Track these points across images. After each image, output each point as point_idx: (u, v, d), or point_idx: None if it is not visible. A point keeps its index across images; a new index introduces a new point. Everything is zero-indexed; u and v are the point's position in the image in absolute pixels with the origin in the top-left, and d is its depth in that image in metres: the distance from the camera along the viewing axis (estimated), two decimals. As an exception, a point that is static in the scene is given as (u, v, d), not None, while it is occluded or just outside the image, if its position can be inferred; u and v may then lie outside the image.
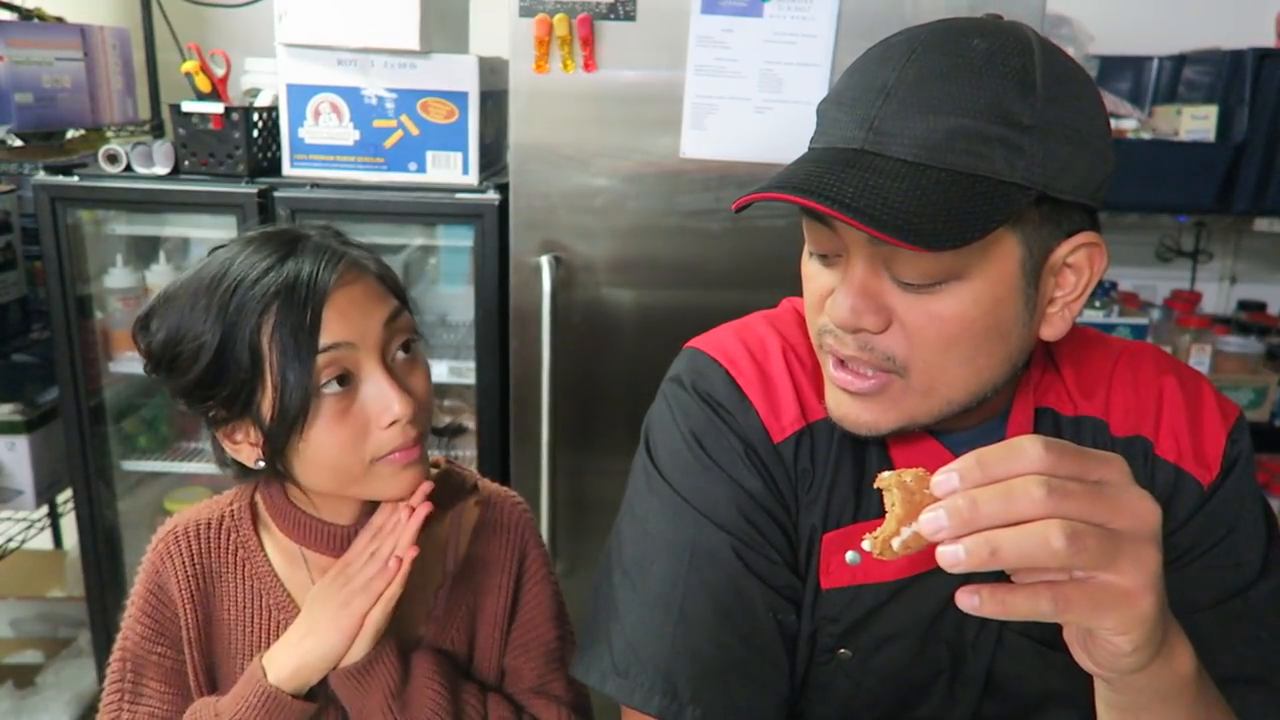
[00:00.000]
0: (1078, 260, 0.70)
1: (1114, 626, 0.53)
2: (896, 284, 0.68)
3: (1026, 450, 0.50)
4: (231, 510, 0.91)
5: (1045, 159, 0.65)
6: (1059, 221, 0.69)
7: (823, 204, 0.63)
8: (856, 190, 0.63)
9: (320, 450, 0.79)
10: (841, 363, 0.73)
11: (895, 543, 0.54)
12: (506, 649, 0.96)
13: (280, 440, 0.79)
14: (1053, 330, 0.73)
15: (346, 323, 0.78)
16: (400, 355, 0.82)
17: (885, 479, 0.55)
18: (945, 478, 0.51)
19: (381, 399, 0.79)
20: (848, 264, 0.70)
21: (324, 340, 0.77)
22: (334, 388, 0.78)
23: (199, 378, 0.79)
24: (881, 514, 0.79)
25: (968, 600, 0.52)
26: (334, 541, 0.88)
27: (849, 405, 0.74)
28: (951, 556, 0.50)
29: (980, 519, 0.50)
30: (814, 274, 0.74)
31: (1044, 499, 0.49)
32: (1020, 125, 0.64)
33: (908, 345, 0.69)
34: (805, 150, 0.74)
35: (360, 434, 0.79)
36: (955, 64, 0.65)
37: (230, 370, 0.78)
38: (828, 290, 0.72)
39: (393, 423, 0.79)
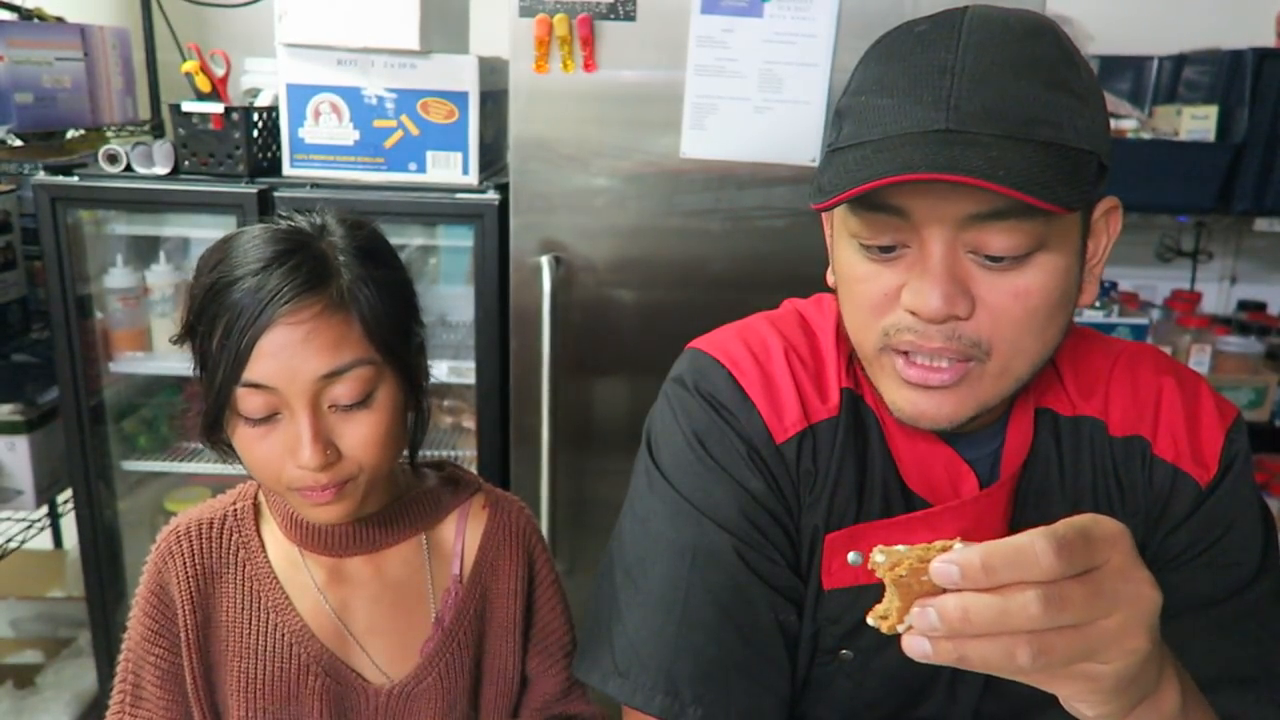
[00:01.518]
0: (1099, 224, 0.72)
1: (1072, 695, 0.53)
2: (977, 265, 0.67)
3: (1038, 559, 0.47)
4: (235, 509, 0.91)
5: (1096, 125, 0.67)
6: (1099, 186, 0.70)
7: (973, 177, 0.61)
8: (987, 163, 0.62)
9: (243, 455, 0.81)
10: (910, 359, 0.71)
11: (900, 628, 0.52)
12: (528, 655, 0.96)
13: (208, 427, 0.81)
14: (1086, 297, 0.74)
15: (275, 365, 0.76)
16: (338, 406, 0.79)
17: (879, 567, 0.52)
18: (945, 569, 0.49)
19: (294, 441, 0.77)
20: (921, 252, 0.68)
21: (247, 376, 0.76)
22: (249, 421, 0.78)
23: (185, 323, 0.81)
24: (881, 517, 0.79)
25: (917, 649, 0.50)
26: (330, 541, 0.88)
27: (926, 401, 0.71)
28: (919, 649, 0.50)
29: (970, 629, 0.48)
30: (870, 274, 0.71)
31: (1039, 615, 0.47)
32: (1076, 93, 0.66)
33: (993, 326, 0.68)
34: (809, 144, 0.73)
35: (278, 458, 0.79)
36: (1007, 39, 0.66)
37: (194, 340, 0.80)
38: (893, 288, 0.70)
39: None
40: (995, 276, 0.67)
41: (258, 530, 0.91)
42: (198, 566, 0.88)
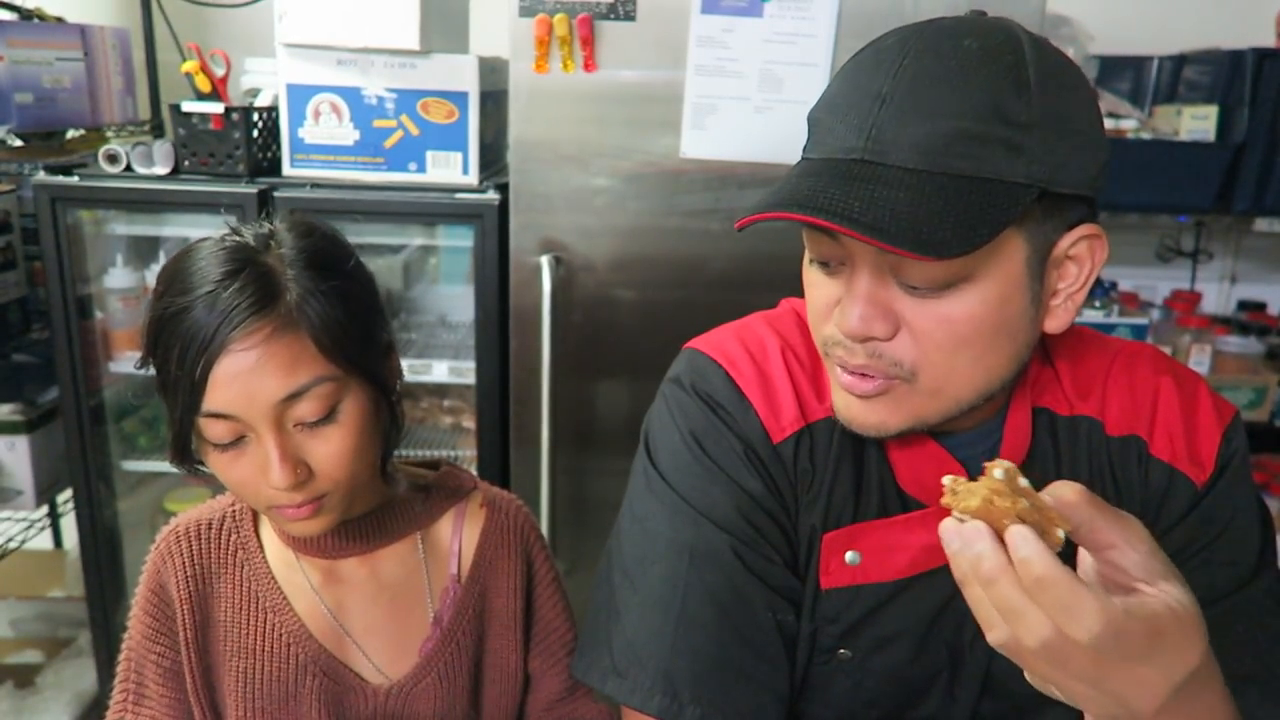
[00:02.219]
0: (1079, 252, 0.71)
1: (1029, 677, 0.55)
2: (903, 290, 0.68)
3: (1082, 631, 0.50)
4: (233, 511, 0.91)
5: (1044, 155, 0.65)
6: (1060, 215, 0.69)
7: (831, 220, 0.63)
8: (863, 204, 0.63)
9: (219, 477, 0.80)
10: (843, 365, 0.73)
11: (956, 510, 0.55)
12: (529, 654, 0.96)
13: (177, 453, 0.79)
14: (1057, 322, 0.73)
15: (232, 393, 0.74)
16: (304, 424, 0.77)
17: (994, 480, 0.54)
18: (1017, 545, 0.51)
19: (263, 464, 0.76)
20: (852, 272, 0.70)
21: (206, 406, 0.74)
22: (216, 446, 0.77)
23: (145, 353, 0.79)
24: (878, 516, 0.79)
25: (948, 542, 0.54)
26: (320, 544, 0.88)
27: (857, 408, 0.74)
28: (949, 543, 0.54)
29: (981, 583, 0.52)
30: (817, 283, 0.74)
31: (1032, 648, 0.51)
32: (1018, 123, 0.64)
33: (917, 350, 0.69)
34: (800, 157, 0.74)
35: (252, 479, 0.77)
36: (949, 66, 0.65)
37: (154, 360, 0.78)
38: (833, 300, 0.72)
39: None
40: (918, 302, 0.68)
41: (256, 532, 0.91)
42: (196, 566, 0.88)
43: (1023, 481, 0.54)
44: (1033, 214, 0.67)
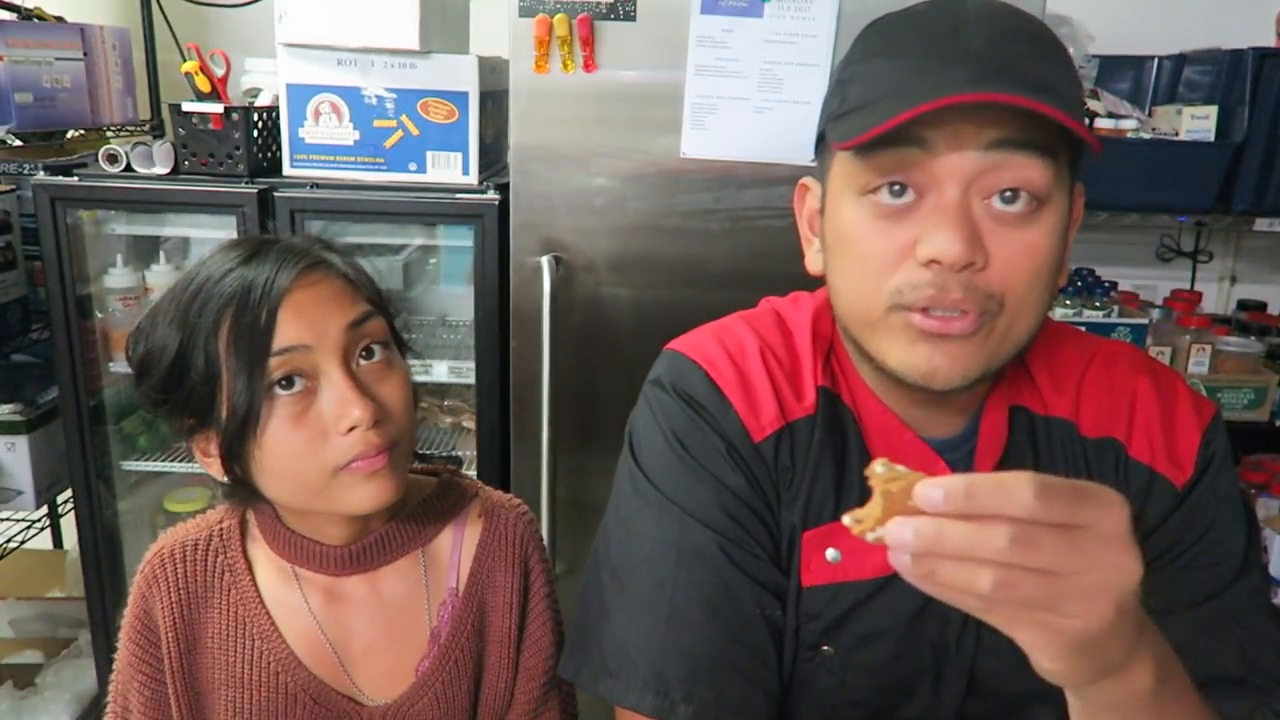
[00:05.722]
0: (1076, 206, 0.73)
1: (1031, 643, 0.53)
2: (990, 218, 0.67)
3: (1017, 494, 0.48)
4: (221, 529, 0.88)
5: (1081, 100, 0.69)
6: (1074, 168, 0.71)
7: (1013, 95, 0.62)
8: (1027, 89, 0.62)
9: (277, 457, 0.76)
10: (929, 313, 0.68)
11: (870, 536, 0.53)
12: (519, 669, 0.93)
13: (235, 445, 0.76)
14: (1062, 276, 0.74)
15: (302, 325, 0.76)
16: (365, 361, 0.79)
17: (876, 476, 0.53)
18: (930, 493, 0.49)
19: (340, 403, 0.76)
20: (938, 197, 0.67)
21: (277, 343, 0.75)
22: (286, 389, 0.76)
23: (161, 382, 0.78)
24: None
25: (898, 560, 0.51)
26: (327, 561, 0.86)
27: (940, 356, 0.69)
28: (899, 560, 0.51)
29: (941, 550, 0.49)
30: (880, 232, 0.69)
31: (1005, 549, 0.48)
32: (1070, 73, 0.68)
33: (1004, 280, 0.67)
34: (810, 144, 0.74)
35: (318, 439, 0.76)
36: (1008, 13, 0.69)
37: (189, 374, 0.77)
38: (902, 245, 0.68)
39: (351, 428, 0.76)
40: (1006, 230, 0.67)
41: (244, 551, 0.88)
42: (183, 592, 0.86)
43: (900, 468, 0.54)
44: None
